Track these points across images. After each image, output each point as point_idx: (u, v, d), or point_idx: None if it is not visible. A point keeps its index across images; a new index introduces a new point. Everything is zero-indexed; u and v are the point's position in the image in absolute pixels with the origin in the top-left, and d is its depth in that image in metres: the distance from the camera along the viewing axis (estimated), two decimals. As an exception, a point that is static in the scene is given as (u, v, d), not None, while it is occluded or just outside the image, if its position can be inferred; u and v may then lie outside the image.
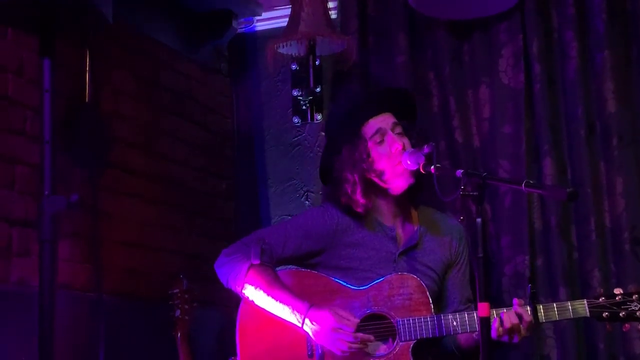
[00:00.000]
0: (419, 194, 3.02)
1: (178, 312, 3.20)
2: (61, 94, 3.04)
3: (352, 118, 3.01)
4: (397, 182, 2.94)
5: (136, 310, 3.34)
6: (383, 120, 3.00)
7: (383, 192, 2.98)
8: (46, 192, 2.76)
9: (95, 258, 3.17)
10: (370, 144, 2.97)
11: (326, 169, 3.09)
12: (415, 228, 3.04)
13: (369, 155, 2.95)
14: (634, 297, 2.80)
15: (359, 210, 2.96)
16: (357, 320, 2.80)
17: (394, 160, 2.93)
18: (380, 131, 2.97)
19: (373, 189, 2.98)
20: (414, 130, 3.07)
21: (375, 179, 2.96)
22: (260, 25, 4.24)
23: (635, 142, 3.59)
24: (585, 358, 3.52)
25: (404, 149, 2.93)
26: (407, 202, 3.05)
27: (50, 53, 2.81)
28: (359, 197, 2.94)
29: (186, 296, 3.23)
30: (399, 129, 3.00)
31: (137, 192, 3.50)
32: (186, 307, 3.24)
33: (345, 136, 3.00)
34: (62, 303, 2.85)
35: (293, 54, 3.93)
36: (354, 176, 2.94)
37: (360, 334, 2.79)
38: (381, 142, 2.97)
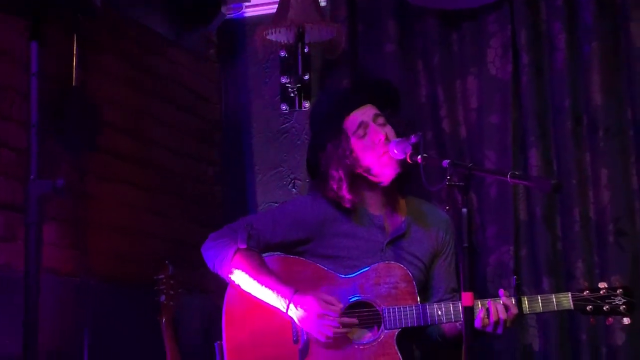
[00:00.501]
0: (407, 183, 3.03)
1: (163, 298, 3.20)
2: (49, 78, 3.03)
3: (333, 114, 3.00)
4: (384, 172, 2.94)
5: (122, 295, 3.34)
6: (364, 113, 2.99)
7: (371, 185, 2.99)
8: (32, 176, 2.74)
9: (82, 243, 3.17)
10: (353, 139, 2.97)
11: (313, 163, 3.10)
12: (403, 218, 3.05)
13: (352, 152, 2.95)
14: (618, 291, 2.82)
15: (347, 205, 2.96)
16: (341, 306, 2.81)
17: (378, 151, 2.93)
18: (362, 125, 2.97)
19: (361, 183, 2.99)
20: (398, 118, 3.07)
21: (364, 174, 2.97)
22: (250, 12, 4.23)
23: (621, 134, 3.61)
24: (568, 348, 3.56)
25: (387, 139, 2.93)
26: (395, 191, 3.05)
27: (38, 37, 2.78)
28: (345, 193, 2.94)
29: (172, 282, 3.24)
30: (381, 120, 3.00)
31: (124, 177, 3.49)
32: (171, 292, 3.24)
33: (328, 133, 3.00)
34: (47, 287, 2.84)
35: (282, 41, 3.93)
36: (339, 173, 2.94)
37: (345, 319, 2.80)
38: (364, 135, 2.97)
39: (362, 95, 3.04)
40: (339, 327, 2.79)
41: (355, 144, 2.96)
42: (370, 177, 2.97)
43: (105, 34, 3.46)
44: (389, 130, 2.97)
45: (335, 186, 2.95)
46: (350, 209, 2.98)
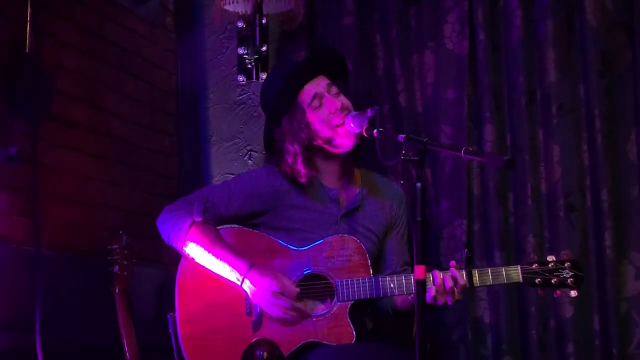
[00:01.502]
0: (362, 155, 3.05)
1: (117, 268, 3.18)
2: (2, 43, 2.98)
3: (285, 89, 3.00)
4: (342, 142, 2.96)
5: (75, 265, 3.32)
6: (317, 85, 3.01)
7: (328, 156, 3.00)
8: (-16, 144, 2.71)
9: (34, 211, 3.14)
10: (308, 112, 2.98)
11: (268, 139, 3.10)
12: (357, 190, 3.07)
13: (308, 125, 2.96)
14: (565, 264, 2.89)
15: (302, 180, 2.97)
16: (297, 290, 2.83)
17: (334, 120, 2.95)
18: (317, 96, 2.98)
19: (317, 155, 3.00)
20: (349, 88, 3.09)
21: (323, 145, 2.98)
22: (208, -19, 4.19)
23: (573, 111, 3.66)
24: (517, 320, 3.62)
25: (342, 108, 2.95)
26: (350, 164, 3.07)
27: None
28: (301, 168, 2.95)
29: (125, 252, 3.21)
30: (334, 89, 3.01)
31: (78, 146, 3.45)
32: (125, 263, 3.21)
33: (281, 108, 3.00)
34: (-1, 256, 2.83)
35: (240, 12, 3.90)
36: (294, 147, 2.95)
37: (297, 305, 2.82)
38: (320, 106, 2.98)
39: (312, 67, 3.05)
40: (290, 310, 2.81)
41: (311, 115, 2.97)
42: (329, 148, 2.98)
43: (59, 0, 3.40)
44: (343, 100, 3.00)
45: (290, 160, 2.96)
46: (305, 184, 2.99)
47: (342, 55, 3.22)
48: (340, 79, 3.09)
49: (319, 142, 2.98)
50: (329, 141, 2.97)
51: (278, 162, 3.02)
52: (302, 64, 3.08)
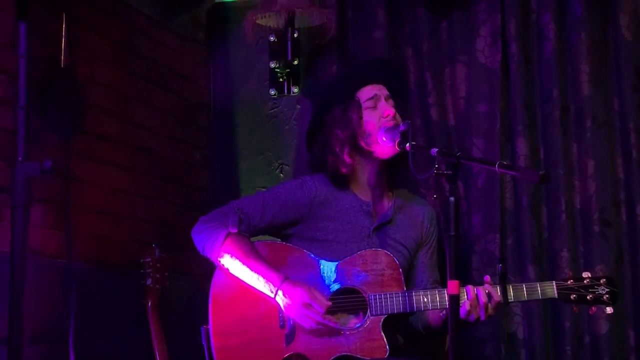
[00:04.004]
0: (397, 175, 3.06)
1: (149, 281, 3.20)
2: (37, 58, 2.99)
3: (349, 82, 3.09)
4: (383, 145, 2.97)
5: (107, 277, 3.33)
6: (380, 89, 3.07)
7: (368, 156, 3.01)
8: (20, 158, 2.73)
9: (67, 224, 3.15)
10: (364, 107, 3.01)
11: (313, 132, 3.11)
12: (390, 204, 3.07)
13: (361, 117, 2.99)
14: (601, 281, 2.85)
15: (344, 170, 2.99)
16: (329, 304, 2.82)
17: (384, 124, 2.98)
18: (375, 97, 3.04)
19: (359, 152, 3.01)
20: (401, 107, 3.11)
21: (362, 143, 2.99)
22: (239, -5, 4.21)
23: (608, 125, 3.62)
24: (551, 336, 3.58)
25: (395, 117, 2.97)
26: (384, 177, 3.08)
27: (26, 17, 2.76)
28: (346, 157, 2.98)
29: (158, 265, 3.23)
30: (391, 102, 3.06)
31: (111, 159, 3.48)
32: (158, 275, 3.23)
33: (337, 98, 3.05)
34: (32, 269, 2.83)
35: (271, 26, 3.91)
36: (344, 133, 2.98)
37: (328, 317, 2.81)
38: (374, 107, 3.02)
39: (378, 74, 3.10)
40: (321, 322, 2.80)
41: (365, 112, 3.01)
42: (366, 147, 2.99)
43: (93, 14, 3.43)
44: (395, 111, 3.02)
45: (337, 148, 2.99)
46: (346, 176, 3.01)
47: (407, 76, 3.30)
48: (399, 97, 3.13)
49: (360, 138, 2.99)
50: (368, 137, 2.98)
51: (320, 154, 3.03)
52: (371, 65, 3.18)
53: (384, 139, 2.91)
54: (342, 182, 3.03)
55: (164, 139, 3.84)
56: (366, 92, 3.05)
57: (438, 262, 3.13)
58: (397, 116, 3.02)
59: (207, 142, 4.15)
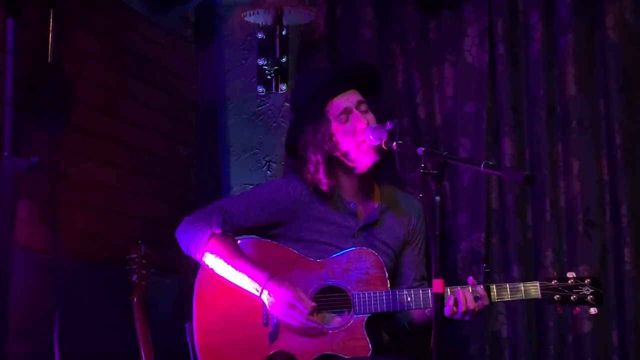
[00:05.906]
0: (383, 170, 3.04)
1: (135, 277, 3.19)
2: (24, 53, 2.99)
3: (316, 98, 3.01)
4: (362, 160, 2.96)
5: (93, 273, 3.33)
6: (348, 99, 3.01)
7: (348, 170, 3.00)
8: (6, 153, 2.73)
9: (54, 220, 3.15)
10: (334, 124, 2.98)
11: (292, 145, 3.10)
12: (376, 205, 3.07)
13: (332, 136, 2.96)
14: (585, 281, 2.86)
15: (323, 188, 2.97)
16: (313, 304, 2.82)
17: (358, 138, 2.95)
18: (345, 110, 2.98)
19: (338, 167, 3.00)
20: (379, 105, 3.09)
21: (341, 158, 2.98)
22: (228, -8, 4.21)
23: (594, 126, 3.64)
24: (535, 335, 3.60)
25: (368, 126, 2.95)
26: (370, 178, 3.07)
27: (14, 13, 2.76)
28: (322, 177, 2.96)
29: (144, 261, 3.23)
30: (364, 107, 3.01)
31: (98, 155, 3.47)
32: (143, 272, 3.23)
33: (308, 116, 3.00)
34: (19, 265, 2.84)
35: (260, 23, 3.91)
36: (316, 156, 2.95)
37: (312, 317, 2.82)
38: (346, 121, 2.98)
39: (346, 80, 3.04)
40: (306, 322, 2.81)
41: (336, 128, 2.97)
42: (347, 162, 2.98)
43: (81, 10, 3.42)
44: (370, 117, 2.99)
45: (312, 169, 2.96)
46: (326, 192, 2.99)
47: (378, 72, 3.20)
48: (371, 94, 3.08)
49: (338, 154, 2.98)
50: (347, 155, 2.97)
51: (300, 169, 3.03)
52: (336, 77, 3.07)
53: (371, 137, 2.91)
54: (324, 193, 3.02)
55: (152, 136, 3.84)
56: (335, 107, 2.99)
57: (425, 259, 3.14)
58: (372, 122, 2.97)
59: (195, 138, 4.14)
